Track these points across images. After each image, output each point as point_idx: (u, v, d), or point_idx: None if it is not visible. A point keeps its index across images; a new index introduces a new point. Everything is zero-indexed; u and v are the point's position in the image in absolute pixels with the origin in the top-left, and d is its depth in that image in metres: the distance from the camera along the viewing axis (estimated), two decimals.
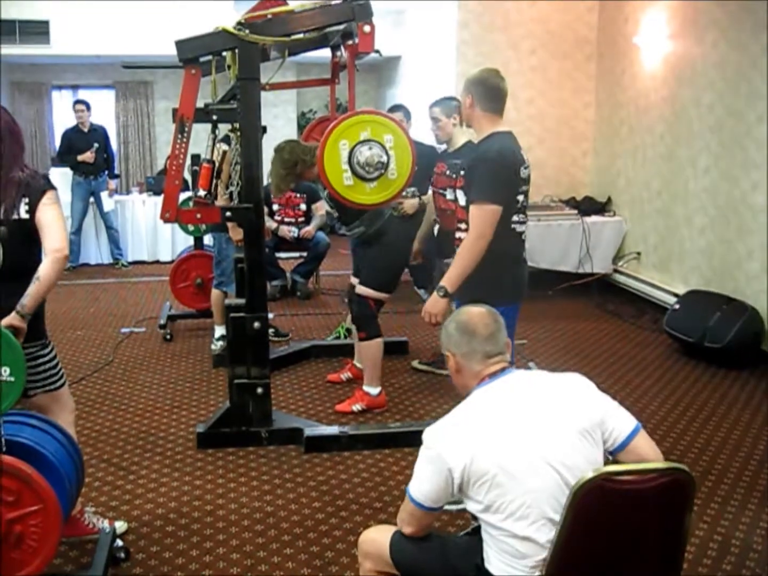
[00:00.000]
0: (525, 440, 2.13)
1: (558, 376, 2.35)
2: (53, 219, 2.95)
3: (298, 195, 7.99)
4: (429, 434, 2.21)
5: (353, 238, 5.10)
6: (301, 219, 8.02)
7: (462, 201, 3.72)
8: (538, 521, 2.09)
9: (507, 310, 3.58)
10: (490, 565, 2.17)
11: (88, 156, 9.12)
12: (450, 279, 3.57)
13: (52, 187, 3.03)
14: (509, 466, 2.09)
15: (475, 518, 2.29)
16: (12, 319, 2.81)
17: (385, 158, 4.04)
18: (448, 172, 4.94)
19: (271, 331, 6.23)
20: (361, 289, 4.92)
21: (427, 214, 5.54)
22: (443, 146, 5.39)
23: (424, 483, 2.20)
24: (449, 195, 4.97)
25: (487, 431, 2.14)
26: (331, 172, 4.05)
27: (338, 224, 5.06)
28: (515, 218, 3.60)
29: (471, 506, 2.19)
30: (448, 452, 2.13)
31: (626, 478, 2.05)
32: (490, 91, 3.61)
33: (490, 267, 3.53)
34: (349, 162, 4.04)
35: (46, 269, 2.86)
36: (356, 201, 4.15)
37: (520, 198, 3.61)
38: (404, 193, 5.34)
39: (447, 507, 2.35)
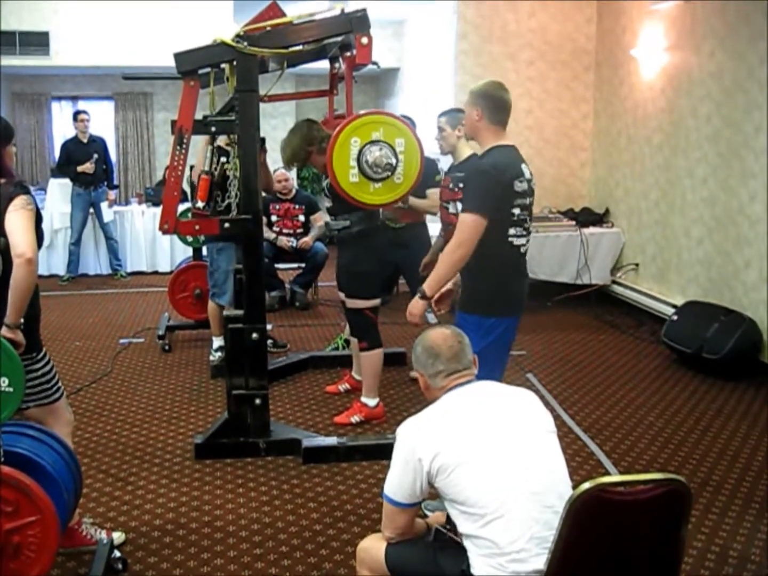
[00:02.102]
0: (491, 432, 2.31)
1: (516, 388, 2.57)
2: (16, 224, 2.88)
3: (297, 206, 8.01)
4: (402, 429, 2.41)
5: (334, 229, 5.05)
6: (299, 230, 8.03)
7: (459, 211, 3.73)
8: (509, 501, 2.20)
9: (502, 322, 3.63)
10: (475, 570, 2.25)
11: (87, 167, 9.13)
12: (429, 283, 3.60)
13: (24, 193, 2.97)
14: (476, 455, 2.26)
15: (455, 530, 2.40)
16: (3, 331, 2.81)
17: (393, 161, 4.08)
18: (451, 186, 4.94)
19: (269, 341, 6.24)
20: (351, 303, 4.91)
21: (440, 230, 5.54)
22: (445, 158, 5.37)
23: (395, 477, 2.37)
24: (452, 209, 4.97)
25: (455, 425, 2.33)
26: (339, 166, 4.10)
27: (329, 216, 5.05)
28: (512, 231, 3.57)
29: (441, 493, 2.33)
30: (419, 443, 2.30)
31: (622, 489, 2.06)
32: (497, 104, 3.62)
33: (486, 279, 3.56)
34: (358, 159, 4.09)
35: (13, 276, 2.82)
36: (358, 199, 4.20)
37: (516, 211, 3.57)
38: (401, 204, 5.35)
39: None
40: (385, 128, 4.12)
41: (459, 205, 3.82)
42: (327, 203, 5.01)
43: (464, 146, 4.96)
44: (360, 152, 4.08)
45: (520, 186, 3.56)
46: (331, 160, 4.10)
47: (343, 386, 5.50)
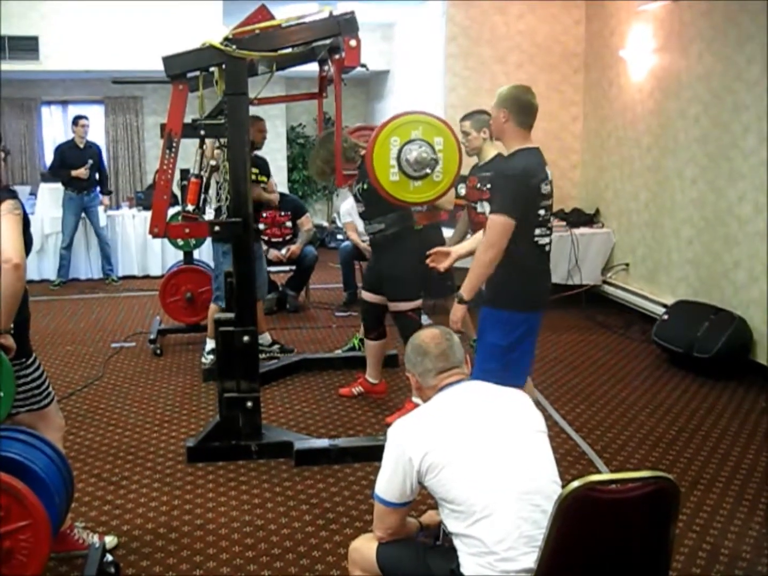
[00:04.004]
0: (480, 432, 2.32)
1: (506, 389, 2.56)
2: (3, 229, 2.85)
3: (283, 213, 8.00)
4: (392, 429, 2.42)
5: (368, 233, 5.11)
6: (288, 237, 8.04)
7: (488, 212, 3.82)
8: (497, 500, 2.21)
9: (528, 318, 3.86)
10: (464, 569, 2.25)
11: (81, 172, 9.11)
12: (465, 287, 3.76)
13: (11, 198, 2.95)
14: (465, 454, 2.27)
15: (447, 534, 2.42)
16: None
17: (436, 157, 4.17)
18: (478, 186, 4.98)
19: (276, 347, 6.27)
20: (396, 306, 4.96)
21: (458, 226, 5.57)
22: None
23: (386, 477, 2.40)
24: (480, 208, 5.05)
25: (445, 425, 2.35)
26: (379, 166, 4.18)
27: (362, 220, 5.10)
28: (537, 231, 3.77)
29: (431, 492, 2.35)
30: (409, 442, 2.32)
31: (611, 488, 2.07)
32: (524, 107, 3.77)
33: (513, 277, 3.73)
34: (398, 159, 4.17)
35: (1, 282, 2.80)
36: (399, 197, 4.28)
37: (541, 212, 3.77)
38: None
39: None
40: (424, 127, 4.22)
41: (485, 204, 3.89)
42: (359, 208, 5.09)
43: (489, 147, 5.05)
44: (400, 151, 4.17)
45: (545, 188, 3.78)
46: (372, 161, 4.17)
47: (356, 389, 5.48)
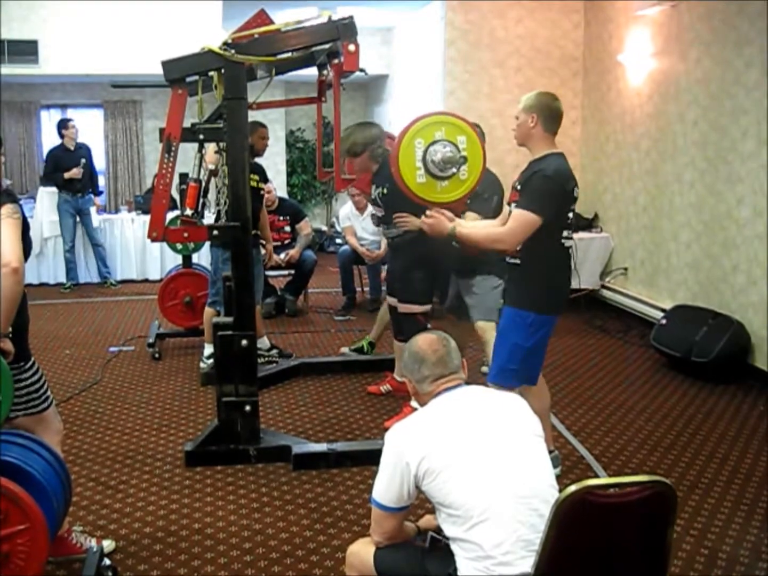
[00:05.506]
0: (478, 436, 2.32)
1: (503, 393, 2.63)
2: (2, 233, 2.83)
3: (282, 218, 8.01)
4: (390, 433, 2.43)
5: (387, 238, 5.12)
6: (287, 241, 8.04)
7: (512, 208, 3.87)
8: (495, 504, 2.21)
9: (551, 319, 3.91)
10: (461, 573, 2.25)
11: (75, 172, 9.12)
12: (462, 232, 3.90)
13: (10, 202, 2.93)
14: (462, 459, 2.27)
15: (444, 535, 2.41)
16: None
17: (464, 154, 4.19)
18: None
19: (274, 351, 6.26)
20: (404, 308, 4.97)
21: None
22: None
23: (383, 481, 2.40)
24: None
25: (443, 429, 2.35)
26: (405, 169, 4.16)
27: (381, 225, 5.10)
28: (565, 233, 3.80)
29: (428, 496, 2.35)
30: (406, 447, 2.32)
31: (608, 492, 2.07)
32: (552, 113, 3.88)
33: (542, 279, 3.78)
34: (423, 160, 4.16)
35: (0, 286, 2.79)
36: (428, 199, 4.24)
37: (570, 215, 3.83)
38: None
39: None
40: (447, 128, 4.20)
41: (513, 207, 3.88)
42: (378, 213, 5.08)
43: None
44: (425, 153, 4.16)
45: (576, 192, 3.82)
46: (398, 164, 4.16)
47: (384, 387, 5.54)
